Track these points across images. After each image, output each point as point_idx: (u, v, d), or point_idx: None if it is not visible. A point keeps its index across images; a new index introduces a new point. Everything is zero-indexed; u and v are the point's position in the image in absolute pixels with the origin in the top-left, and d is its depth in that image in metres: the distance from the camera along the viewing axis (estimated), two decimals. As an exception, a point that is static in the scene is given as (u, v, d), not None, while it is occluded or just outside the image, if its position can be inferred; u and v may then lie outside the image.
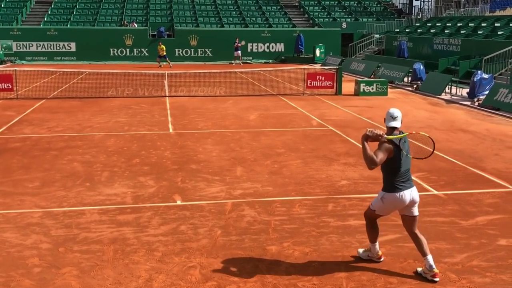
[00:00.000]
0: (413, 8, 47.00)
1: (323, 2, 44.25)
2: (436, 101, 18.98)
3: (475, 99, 18.13)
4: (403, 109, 16.78)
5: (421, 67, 22.89)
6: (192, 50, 35.73)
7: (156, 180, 8.85)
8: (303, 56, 36.05)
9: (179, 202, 7.79)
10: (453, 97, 19.68)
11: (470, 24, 30.01)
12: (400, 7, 47.13)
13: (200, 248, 6.20)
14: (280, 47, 36.86)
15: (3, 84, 18.50)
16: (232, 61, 34.32)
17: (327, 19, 40.85)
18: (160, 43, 31.83)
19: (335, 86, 20.29)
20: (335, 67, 22.30)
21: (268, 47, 36.76)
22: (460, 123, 14.65)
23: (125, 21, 37.48)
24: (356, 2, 44.98)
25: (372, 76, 25.92)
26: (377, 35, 35.83)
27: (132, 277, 5.48)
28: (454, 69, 23.81)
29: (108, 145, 11.31)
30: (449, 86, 20.51)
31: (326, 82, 20.53)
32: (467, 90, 19.40)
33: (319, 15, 41.71)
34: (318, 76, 20.81)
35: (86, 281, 5.39)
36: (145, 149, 11.02)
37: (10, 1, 39.23)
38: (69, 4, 39.96)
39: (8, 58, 32.98)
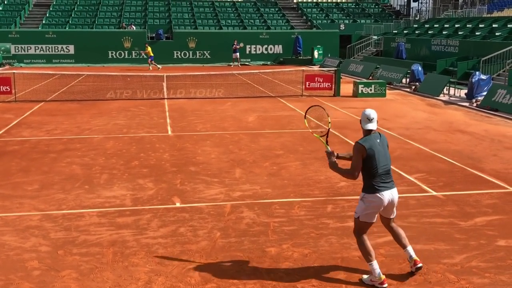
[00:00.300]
0: (411, 9, 47.11)
1: (321, 4, 44.33)
2: (435, 102, 19.01)
3: (473, 100, 18.17)
4: (402, 111, 16.85)
5: (419, 68, 22.92)
6: (191, 52, 35.75)
7: (155, 183, 8.85)
8: (301, 57, 36.09)
9: (178, 204, 7.80)
10: (451, 98, 19.71)
11: (468, 25, 30.09)
12: (398, 9, 47.22)
13: (199, 250, 6.20)
14: (278, 49, 36.90)
15: (1, 87, 18.49)
16: (231, 63, 34.34)
17: (325, 21, 40.90)
18: (147, 45, 31.75)
19: (333, 87, 20.31)
20: (334, 69, 22.32)
21: (266, 49, 36.80)
22: (459, 124, 14.67)
23: (124, 23, 37.49)
24: (354, 4, 45.07)
25: (370, 78, 25.95)
26: (375, 37, 35.88)
27: (132, 279, 5.48)
28: (452, 70, 23.85)
29: (107, 148, 11.31)
30: (447, 87, 20.54)
31: (324, 83, 20.55)
32: (465, 91, 19.44)
33: (317, 17, 41.76)
34: (316, 78, 20.83)
35: (85, 283, 5.39)
36: (144, 151, 11.03)
37: (8, 4, 39.23)
38: (67, 7, 39.97)
39: (7, 61, 32.95)
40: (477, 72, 19.19)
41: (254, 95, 20.11)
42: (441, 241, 6.51)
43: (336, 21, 40.80)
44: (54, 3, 40.24)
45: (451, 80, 20.95)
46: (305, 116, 6.06)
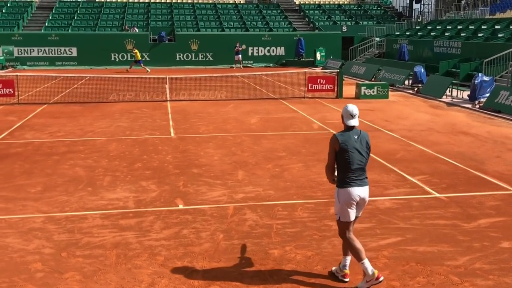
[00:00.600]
0: (413, 11, 47.11)
1: (323, 6, 44.34)
2: (437, 104, 18.99)
3: (476, 102, 18.14)
4: (404, 112, 16.84)
5: (422, 70, 22.91)
6: (193, 54, 35.80)
7: (158, 185, 8.86)
8: (303, 59, 36.11)
9: (181, 206, 7.80)
10: (454, 99, 19.69)
11: (470, 27, 30.06)
12: (400, 10, 47.21)
13: (202, 252, 6.21)
14: (280, 51, 36.92)
15: (4, 89, 18.55)
16: (233, 65, 34.38)
17: (327, 23, 40.92)
18: (134, 48, 31.66)
19: (336, 89, 20.31)
20: (336, 71, 22.33)
21: (268, 51, 36.82)
22: (461, 125, 14.65)
23: (126, 26, 37.57)
24: (356, 6, 45.07)
25: (373, 79, 25.94)
26: (377, 38, 35.87)
27: (135, 281, 5.48)
28: (455, 71, 23.81)
29: (110, 150, 11.33)
30: (450, 89, 20.52)
31: (327, 85, 20.55)
32: (468, 92, 19.41)
33: (320, 19, 41.78)
34: (319, 80, 20.82)
35: (89, 285, 5.40)
36: (146, 153, 11.04)
37: (11, 6, 39.35)
38: (70, 9, 40.07)
39: (10, 63, 33.04)
40: (479, 74, 19.17)
41: (257, 97, 20.12)
42: (444, 243, 6.50)
43: (338, 23, 40.81)
44: (57, 5, 40.35)
45: (453, 81, 20.92)
46: None
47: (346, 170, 5.23)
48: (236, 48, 33.69)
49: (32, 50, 33.87)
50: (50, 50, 34.11)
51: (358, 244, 5.34)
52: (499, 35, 25.87)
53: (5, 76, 22.94)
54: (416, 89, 22.17)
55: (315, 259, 6.02)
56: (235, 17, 41.33)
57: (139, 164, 10.17)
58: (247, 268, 5.79)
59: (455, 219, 7.32)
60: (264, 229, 6.92)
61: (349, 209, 5.29)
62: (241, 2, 44.48)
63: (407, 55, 29.45)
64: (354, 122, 5.29)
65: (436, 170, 9.83)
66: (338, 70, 21.74)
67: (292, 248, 6.32)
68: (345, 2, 45.93)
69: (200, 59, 35.80)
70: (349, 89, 20.95)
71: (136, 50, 31.00)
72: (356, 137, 5.28)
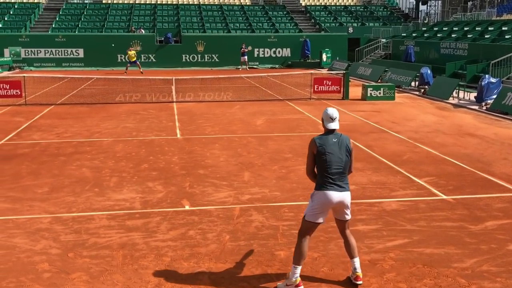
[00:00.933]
0: (420, 12, 47.03)
1: (329, 7, 44.31)
2: (444, 105, 18.93)
3: (483, 103, 18.07)
4: (411, 114, 16.79)
5: (428, 71, 22.84)
6: (199, 55, 35.86)
7: (165, 185, 8.88)
8: (309, 61, 36.09)
9: (187, 207, 7.81)
10: (460, 101, 19.62)
11: (477, 28, 29.95)
12: (407, 12, 47.11)
13: (208, 253, 6.21)
14: (286, 52, 36.92)
15: (12, 90, 18.65)
16: (239, 67, 34.41)
17: (333, 24, 40.89)
18: (131, 49, 31.57)
19: (342, 90, 20.28)
20: (342, 72, 22.30)
21: (274, 52, 36.83)
22: (468, 127, 14.59)
23: (133, 27, 37.69)
24: (362, 7, 45.02)
25: (379, 81, 25.89)
26: (383, 40, 35.81)
27: (142, 282, 5.49)
28: (462, 73, 23.74)
29: (117, 151, 11.36)
30: (457, 90, 20.45)
31: (333, 86, 20.53)
32: (475, 94, 19.34)
33: (326, 20, 41.75)
34: (325, 81, 20.81)
35: (95, 286, 5.41)
36: (153, 154, 11.06)
37: (18, 8, 39.56)
38: (77, 11, 40.25)
39: (17, 64, 33.24)
40: (486, 75, 19.09)
41: (263, 98, 20.12)
42: (452, 245, 6.47)
43: (345, 24, 40.78)
44: (64, 7, 40.54)
45: (460, 83, 20.85)
46: None
47: (324, 173, 5.19)
48: (242, 49, 33.72)
49: (39, 51, 34.04)
50: (57, 51, 34.28)
51: (306, 250, 5.28)
52: (506, 37, 25.77)
53: (12, 77, 23.07)
54: (422, 90, 22.11)
55: (321, 261, 6.01)
56: (241, 18, 41.38)
57: (145, 165, 10.19)
58: (253, 269, 5.79)
59: (462, 221, 7.29)
60: (270, 231, 6.91)
61: (318, 212, 5.23)
62: (247, 3, 44.53)
63: (413, 57, 29.38)
64: (334, 125, 5.25)
65: (443, 172, 9.79)
66: (344, 72, 21.71)
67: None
68: (351, 4, 45.89)
69: (206, 60, 35.86)
70: (355, 91, 20.92)
71: (130, 52, 30.80)
72: (334, 140, 5.23)
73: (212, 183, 9.05)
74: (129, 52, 30.88)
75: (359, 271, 5.43)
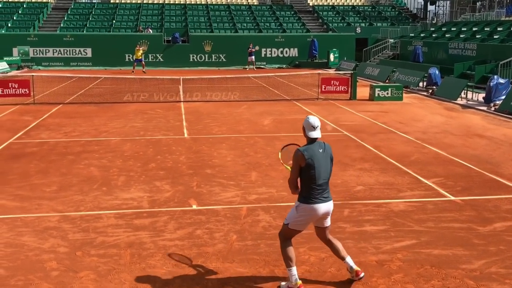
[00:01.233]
0: (428, 12, 46.81)
1: (337, 7, 44.22)
2: (452, 106, 18.84)
3: (492, 104, 17.97)
4: (419, 114, 16.73)
5: (437, 71, 22.75)
6: (206, 55, 35.90)
7: (172, 185, 8.90)
8: (317, 61, 36.03)
9: (194, 207, 7.82)
10: (469, 102, 19.52)
11: (485, 29, 29.79)
12: (415, 12, 46.92)
13: (216, 252, 6.22)
14: (294, 52, 36.89)
15: (20, 89, 18.75)
16: (246, 66, 34.41)
17: (341, 24, 40.81)
18: (139, 47, 31.52)
19: (349, 91, 20.24)
20: (350, 72, 22.25)
21: (282, 52, 36.81)
22: (476, 128, 14.52)
23: (140, 27, 37.78)
24: (370, 7, 44.90)
25: (387, 81, 25.82)
26: (391, 40, 35.70)
27: (149, 281, 5.51)
28: (470, 73, 23.62)
29: (124, 150, 11.40)
30: (465, 91, 20.34)
31: (340, 87, 20.49)
32: (483, 95, 19.24)
33: (333, 20, 41.67)
34: (332, 81, 20.77)
35: (103, 285, 5.44)
36: (160, 153, 11.09)
37: (27, 7, 39.78)
38: (85, 11, 40.42)
39: (25, 63, 33.41)
40: (495, 76, 18.99)
41: (270, 98, 20.12)
42: (460, 246, 6.44)
43: (352, 24, 40.69)
44: (72, 6, 40.72)
45: (468, 84, 20.74)
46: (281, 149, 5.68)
47: (311, 186, 5.07)
48: (249, 49, 33.72)
49: (47, 51, 34.21)
50: (65, 51, 34.43)
51: (292, 251, 5.24)
52: (515, 37, 25.62)
53: (21, 76, 23.20)
54: (430, 91, 22.02)
55: (328, 261, 6.00)
56: (248, 18, 41.39)
57: (153, 164, 10.21)
58: (260, 269, 5.79)
59: (470, 223, 7.25)
60: (277, 231, 6.84)
61: (303, 223, 5.20)
62: (255, 3, 44.53)
63: (421, 57, 29.28)
64: (316, 134, 5.08)
65: (451, 173, 9.75)
66: (352, 72, 21.66)
67: (305, 249, 6.31)
68: (359, 4, 45.78)
69: (213, 60, 35.90)
70: (363, 91, 20.87)
71: (138, 50, 30.87)
72: (321, 151, 5.11)
73: (219, 182, 9.06)
74: (136, 50, 30.97)
75: (356, 266, 5.40)
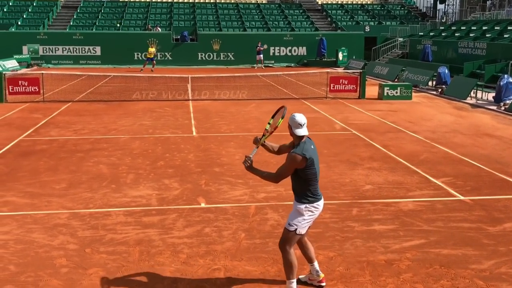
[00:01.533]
0: (438, 11, 46.53)
1: (346, 6, 44.09)
2: (461, 105, 18.74)
3: (501, 104, 17.85)
4: (428, 114, 16.65)
5: (446, 71, 22.63)
6: (215, 54, 35.92)
7: (180, 183, 8.92)
8: (325, 59, 35.95)
9: (203, 205, 7.84)
10: (478, 101, 19.41)
11: (496, 28, 29.58)
12: (424, 11, 46.67)
13: (224, 250, 6.23)
14: (302, 50, 36.82)
15: (30, 87, 18.86)
16: (254, 65, 34.39)
17: (350, 23, 40.68)
18: (152, 45, 31.58)
19: (358, 89, 20.17)
20: (358, 71, 22.18)
21: (290, 51, 36.75)
22: (486, 127, 14.43)
23: (149, 25, 37.87)
24: (379, 6, 44.72)
25: (396, 80, 25.71)
26: (400, 39, 35.54)
27: (158, 278, 5.53)
28: (480, 73, 23.47)
29: (133, 148, 11.44)
30: (475, 90, 20.23)
31: (349, 85, 20.42)
32: (493, 94, 19.11)
33: (342, 19, 41.55)
34: (341, 80, 20.71)
35: (112, 282, 5.45)
36: (169, 151, 11.12)
37: (37, 5, 39.99)
38: (94, 9, 40.57)
39: (35, 61, 33.59)
40: (505, 75, 18.85)
41: (278, 97, 20.10)
42: (469, 246, 6.41)
43: (361, 22, 40.54)
44: (82, 5, 40.89)
45: (478, 83, 20.62)
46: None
47: (313, 185, 5.01)
48: (258, 47, 33.69)
49: (57, 49, 34.37)
50: (75, 49, 34.57)
51: (296, 260, 5.10)
52: (526, 36, 25.42)
53: (31, 74, 23.34)
54: (440, 90, 21.91)
55: (337, 260, 5.99)
56: (257, 16, 41.36)
57: (161, 162, 10.24)
58: (269, 268, 5.79)
59: (480, 222, 7.21)
60: (286, 229, 6.89)
61: (309, 225, 5.09)
62: (263, 1, 44.49)
63: (431, 56, 29.11)
64: (304, 131, 4.96)
65: (460, 172, 9.70)
66: (361, 71, 21.60)
67: (314, 248, 6.28)
68: (368, 2, 45.61)
69: (221, 58, 35.90)
70: (371, 90, 20.81)
71: (151, 48, 30.96)
72: (313, 147, 5.05)
73: (228, 181, 9.07)
74: (150, 48, 31.08)
75: (322, 273, 5.35)
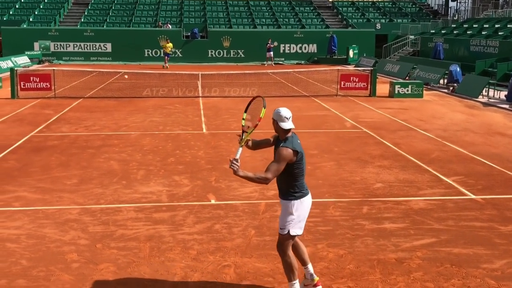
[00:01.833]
0: (449, 9, 46.18)
1: (357, 3, 43.91)
2: (473, 104, 18.60)
3: (514, 102, 17.70)
4: (439, 112, 16.54)
5: (458, 69, 22.44)
6: (225, 51, 35.93)
7: (191, 179, 8.94)
8: (336, 57, 35.83)
9: (213, 201, 7.85)
10: (490, 100, 19.25)
11: (508, 26, 29.30)
12: (436, 8, 46.38)
13: (234, 247, 6.23)
14: (313, 48, 36.72)
15: (41, 83, 18.97)
16: (265, 62, 34.36)
17: (360, 20, 40.51)
18: (168, 40, 31.92)
19: (369, 87, 20.09)
20: (369, 68, 22.09)
21: (300, 48, 36.67)
22: (498, 126, 14.31)
23: (160, 22, 37.97)
24: (390, 3, 44.48)
25: (407, 78, 25.57)
26: (412, 36, 35.33)
27: (168, 274, 5.55)
28: (492, 71, 23.28)
29: (144, 144, 11.48)
30: (487, 89, 20.06)
31: (360, 83, 20.34)
32: (505, 92, 18.94)
33: (353, 16, 41.39)
34: (351, 78, 20.63)
35: (123, 277, 5.48)
36: (179, 148, 11.15)
37: (48, 2, 40.23)
38: (105, 5, 40.75)
39: (46, 58, 33.82)
40: (518, 74, 18.69)
41: (288, 94, 20.07)
42: (480, 245, 6.36)
43: (372, 20, 40.36)
44: (93, 1, 41.08)
45: (490, 81, 20.45)
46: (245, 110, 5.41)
47: (300, 179, 4.87)
48: (268, 45, 33.65)
49: (68, 45, 34.56)
50: (86, 46, 34.74)
51: (296, 262, 4.97)
52: (539, 34, 25.16)
53: (42, 71, 23.49)
54: (451, 88, 21.76)
55: (347, 258, 5.98)
56: (267, 14, 41.31)
57: (172, 159, 10.27)
58: (279, 265, 5.78)
59: (491, 222, 7.16)
60: (296, 226, 6.89)
61: (302, 221, 4.89)
62: (274, -1, 44.42)
63: (442, 54, 28.90)
64: (289, 124, 4.83)
65: (471, 171, 9.63)
66: (372, 68, 21.51)
67: (324, 246, 6.29)
68: (379, 0, 45.38)
69: (232, 55, 35.91)
70: (382, 88, 20.71)
71: (168, 44, 31.22)
72: (298, 141, 4.96)
73: (238, 178, 9.05)
74: (166, 44, 31.24)
75: (316, 276, 5.21)
